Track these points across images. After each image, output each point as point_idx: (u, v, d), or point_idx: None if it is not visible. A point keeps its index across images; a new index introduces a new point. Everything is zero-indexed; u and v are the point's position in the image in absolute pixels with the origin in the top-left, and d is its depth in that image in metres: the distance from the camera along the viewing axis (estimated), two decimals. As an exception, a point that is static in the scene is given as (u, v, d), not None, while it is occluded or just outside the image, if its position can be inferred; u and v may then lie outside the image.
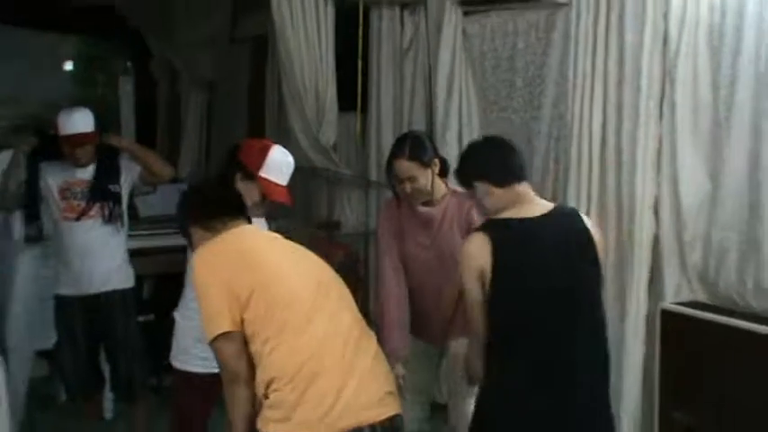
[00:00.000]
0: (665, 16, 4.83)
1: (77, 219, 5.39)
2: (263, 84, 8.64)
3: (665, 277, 4.95)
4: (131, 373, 5.60)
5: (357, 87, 6.81)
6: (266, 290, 3.26)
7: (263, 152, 4.25)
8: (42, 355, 6.41)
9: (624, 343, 4.96)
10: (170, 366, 5.85)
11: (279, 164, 4.28)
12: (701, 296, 4.90)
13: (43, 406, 6.34)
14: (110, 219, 5.43)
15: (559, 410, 3.28)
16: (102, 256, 5.46)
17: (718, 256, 4.77)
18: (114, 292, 5.52)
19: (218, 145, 9.51)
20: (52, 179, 5.44)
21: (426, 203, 4.47)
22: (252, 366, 3.27)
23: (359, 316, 3.46)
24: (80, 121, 5.41)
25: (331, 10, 6.56)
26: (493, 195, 3.46)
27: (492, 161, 3.54)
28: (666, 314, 4.86)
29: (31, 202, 5.53)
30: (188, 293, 4.26)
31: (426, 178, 4.38)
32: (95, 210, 5.40)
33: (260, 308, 3.22)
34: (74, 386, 5.85)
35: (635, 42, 4.89)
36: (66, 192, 5.42)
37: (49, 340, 6.03)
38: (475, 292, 3.32)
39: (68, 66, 11.08)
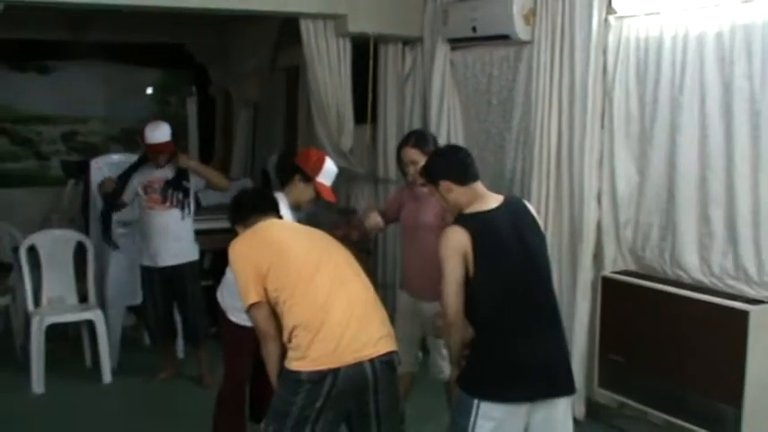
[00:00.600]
0: (604, 53, 4.88)
1: (156, 207, 5.50)
2: (296, 103, 8.65)
3: (605, 252, 4.98)
4: (197, 324, 5.67)
5: (368, 105, 6.81)
6: (279, 263, 3.28)
7: (320, 162, 4.25)
8: (131, 309, 6.48)
9: (575, 303, 4.98)
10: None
11: (331, 172, 4.30)
12: (632, 266, 4.93)
13: (132, 348, 6.39)
14: (180, 206, 5.51)
15: (540, 354, 3.21)
16: (175, 236, 5.53)
17: (644, 235, 4.80)
18: (184, 264, 5.59)
19: (261, 151, 9.54)
20: (137, 179, 5.54)
21: (424, 185, 4.33)
22: (279, 327, 3.29)
23: (361, 274, 3.44)
24: (160, 134, 5.50)
25: (349, 46, 6.53)
26: (453, 192, 3.37)
27: (453, 164, 3.46)
28: (606, 280, 4.88)
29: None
30: None
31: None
32: (170, 200, 5.49)
33: (277, 278, 3.25)
34: (156, 334, 5.92)
35: (582, 72, 4.91)
36: (147, 188, 5.51)
37: (137, 298, 6.12)
38: (457, 272, 3.20)
39: (149, 91, 11.10)
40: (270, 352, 3.32)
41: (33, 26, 8.40)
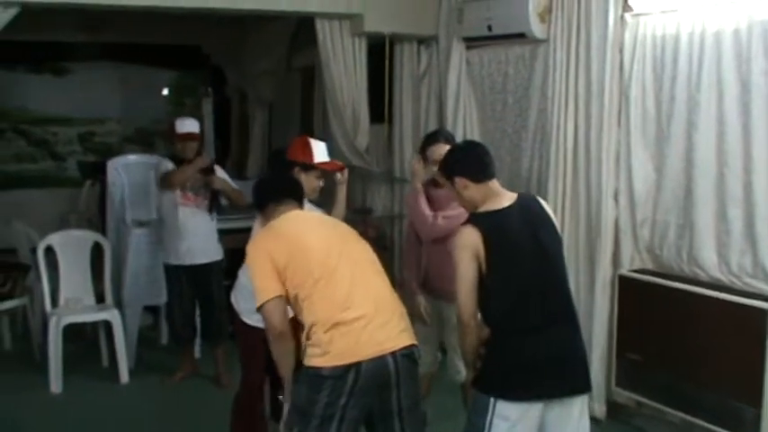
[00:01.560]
0: (621, 51, 4.87)
1: (189, 204, 5.59)
2: (311, 103, 8.68)
3: (622, 250, 4.97)
4: (220, 322, 5.70)
5: (384, 104, 6.83)
6: (298, 258, 3.22)
7: (307, 145, 4.14)
8: (148, 309, 6.52)
9: (594, 302, 4.97)
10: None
11: (321, 148, 4.18)
12: (649, 265, 4.93)
13: (149, 348, 6.43)
14: (210, 206, 5.62)
15: (554, 352, 3.20)
16: (205, 235, 5.59)
17: (661, 234, 4.80)
18: (212, 263, 5.64)
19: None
20: None
21: (438, 185, 4.25)
22: (293, 326, 3.26)
23: (379, 268, 3.40)
24: (190, 125, 5.67)
25: (364, 45, 6.56)
26: (469, 189, 3.34)
27: (470, 160, 3.42)
28: (623, 279, 4.89)
29: None
30: None
31: None
32: (201, 200, 5.58)
33: (295, 274, 3.19)
34: (180, 333, 5.94)
35: (598, 70, 4.91)
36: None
37: (154, 298, 6.17)
38: (470, 272, 3.17)
39: (165, 92, 11.16)
40: (286, 351, 3.27)
41: (49, 28, 8.48)
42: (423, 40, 6.69)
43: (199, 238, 5.57)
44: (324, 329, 3.12)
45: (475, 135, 6.14)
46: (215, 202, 5.65)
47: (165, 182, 5.57)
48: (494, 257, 3.20)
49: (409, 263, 4.64)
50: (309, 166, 4.08)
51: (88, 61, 10.24)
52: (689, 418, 4.52)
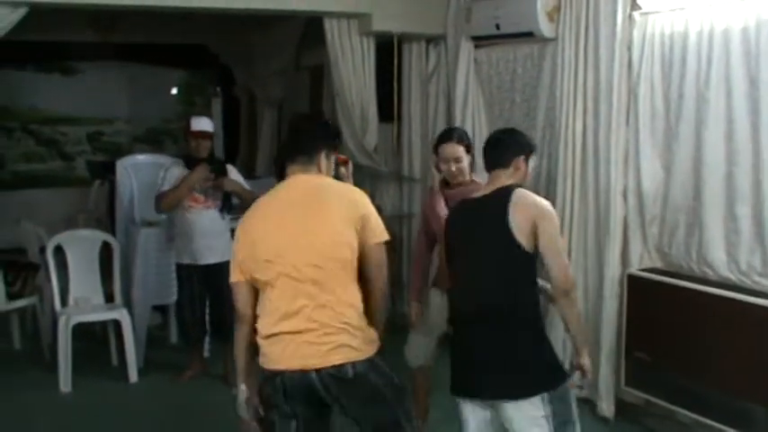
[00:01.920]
0: (629, 49, 4.86)
1: (196, 206, 5.58)
2: (320, 102, 8.68)
3: (631, 249, 4.96)
4: (231, 321, 5.68)
5: (393, 103, 6.84)
6: (250, 257, 3.10)
7: None
8: (157, 308, 6.55)
9: (602, 301, 4.96)
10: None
11: None
12: (658, 263, 4.91)
13: (158, 347, 6.44)
14: (221, 206, 5.63)
15: (463, 352, 3.30)
16: (215, 235, 5.58)
17: (670, 232, 4.79)
18: (222, 263, 5.60)
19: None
20: (181, 175, 5.57)
21: (456, 186, 4.29)
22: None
23: (339, 277, 3.07)
24: (205, 123, 5.73)
25: (372, 45, 6.57)
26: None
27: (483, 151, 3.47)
28: (632, 278, 4.87)
29: None
30: None
31: (467, 161, 4.25)
32: (211, 201, 5.58)
33: (248, 271, 3.12)
34: (191, 332, 5.94)
35: (606, 69, 4.90)
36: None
37: (163, 297, 6.19)
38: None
39: (174, 91, 11.19)
40: (240, 334, 3.25)
41: (58, 28, 8.50)
42: (431, 39, 6.70)
43: (208, 239, 5.56)
44: (261, 336, 3.14)
45: (483, 134, 6.13)
46: (227, 202, 5.65)
47: (158, 207, 5.59)
48: (449, 245, 3.50)
49: (415, 270, 4.65)
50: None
51: (97, 61, 10.28)
52: (698, 417, 4.51)
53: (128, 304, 6.02)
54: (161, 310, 6.65)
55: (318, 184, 3.19)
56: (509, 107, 5.92)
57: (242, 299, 3.20)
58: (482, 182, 4.26)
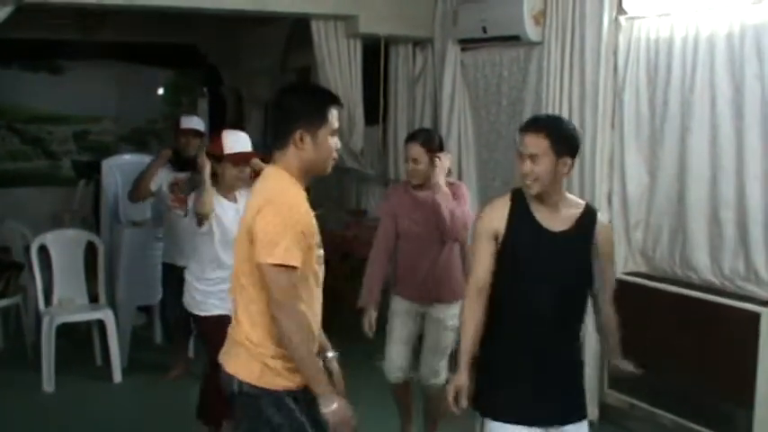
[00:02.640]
0: (615, 54, 4.89)
1: (178, 209, 5.47)
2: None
3: (616, 253, 4.95)
4: None
5: (379, 106, 6.84)
6: None
7: (219, 138, 4.32)
8: (141, 309, 6.52)
9: (588, 306, 4.96)
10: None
11: (234, 139, 4.33)
12: (642, 267, 4.93)
13: (142, 347, 6.41)
14: None
15: None
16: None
17: (654, 236, 4.81)
18: None
19: (273, 151, 9.57)
20: (165, 174, 5.60)
21: (421, 187, 4.30)
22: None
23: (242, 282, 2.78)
24: (195, 122, 5.80)
25: (359, 47, 6.57)
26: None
27: None
28: (616, 282, 4.87)
29: None
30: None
31: (426, 164, 4.22)
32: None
33: None
34: (176, 333, 5.91)
35: (592, 73, 4.91)
36: (174, 185, 5.56)
37: (148, 297, 6.16)
38: None
39: (160, 91, 11.15)
40: None
41: (45, 26, 8.46)
42: (418, 42, 6.70)
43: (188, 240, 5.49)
44: None
45: (469, 137, 6.16)
46: None
47: (132, 195, 5.66)
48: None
49: (376, 274, 4.43)
50: (220, 158, 4.24)
51: (84, 60, 10.22)
52: (681, 420, 4.53)
53: (112, 304, 5.99)
54: (146, 310, 6.62)
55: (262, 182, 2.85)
56: (495, 110, 5.92)
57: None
58: (457, 186, 4.35)
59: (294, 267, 2.63)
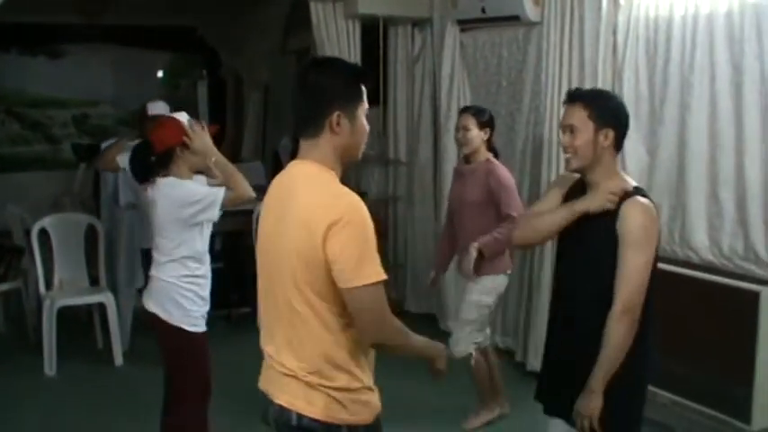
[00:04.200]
0: (614, 33, 4.87)
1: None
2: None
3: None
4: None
5: (378, 87, 6.82)
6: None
7: (173, 124, 3.72)
8: (141, 291, 6.51)
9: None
10: (240, 301, 5.75)
11: (185, 117, 3.78)
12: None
13: (143, 331, 6.41)
14: None
15: None
16: None
17: (654, 215, 4.80)
18: None
19: (272, 133, 9.58)
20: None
21: (467, 162, 4.56)
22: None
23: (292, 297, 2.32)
24: (161, 107, 5.61)
25: (358, 28, 6.55)
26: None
27: None
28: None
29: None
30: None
31: (475, 134, 4.45)
32: None
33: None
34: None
35: (591, 52, 4.90)
36: None
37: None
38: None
39: (160, 74, 11.13)
40: None
41: (44, 10, 8.44)
42: (417, 23, 6.68)
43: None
44: None
45: (469, 117, 6.14)
46: None
47: (98, 162, 5.73)
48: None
49: (439, 242, 4.90)
50: (185, 144, 3.68)
51: (83, 43, 10.21)
52: (680, 399, 4.53)
53: (113, 287, 5.99)
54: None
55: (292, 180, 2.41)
56: (495, 90, 5.90)
57: None
58: (495, 163, 4.46)
59: (385, 278, 2.29)
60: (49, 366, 5.60)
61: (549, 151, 5.20)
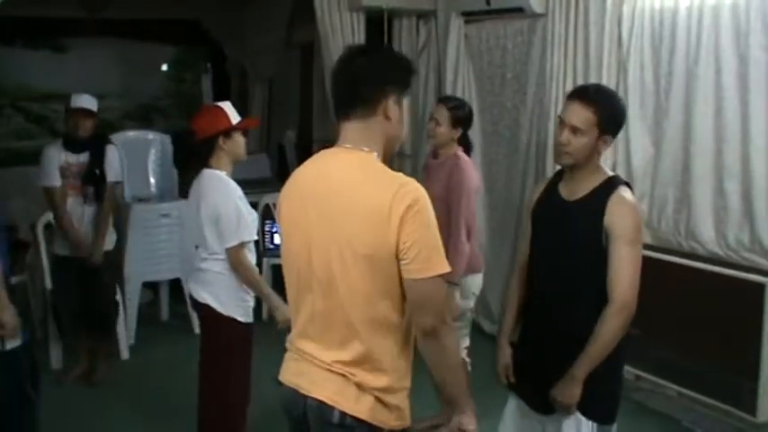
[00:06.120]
0: (619, 25, 4.86)
1: (74, 196, 5.20)
2: (310, 79, 8.67)
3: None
4: (106, 315, 5.50)
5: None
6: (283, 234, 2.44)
7: (219, 111, 3.73)
8: (147, 285, 6.54)
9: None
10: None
11: (230, 108, 3.79)
12: (647, 239, 4.87)
13: (149, 324, 6.44)
14: (97, 200, 5.22)
15: None
16: (90, 226, 5.30)
17: (659, 208, 4.81)
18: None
19: (277, 126, 9.58)
20: (57, 157, 5.20)
21: (434, 156, 4.39)
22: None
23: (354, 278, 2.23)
24: (85, 100, 5.20)
25: (362, 20, 6.53)
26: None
27: None
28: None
29: None
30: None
31: (443, 130, 4.24)
32: (84, 194, 5.22)
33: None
34: (67, 327, 5.52)
35: (596, 44, 4.90)
36: (66, 170, 5.18)
37: (154, 274, 6.16)
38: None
39: (164, 68, 11.13)
40: None
41: (47, 4, 8.43)
42: (421, 15, 6.67)
43: (84, 228, 5.21)
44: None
45: (473, 109, 6.12)
46: (102, 188, 5.22)
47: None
48: None
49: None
50: (230, 130, 3.72)
51: (87, 37, 10.20)
52: (687, 391, 4.55)
53: (120, 280, 6.00)
54: (152, 286, 6.65)
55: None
56: (499, 83, 5.90)
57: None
58: (462, 159, 4.26)
59: (449, 270, 2.25)
60: (56, 360, 5.62)
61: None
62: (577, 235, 2.84)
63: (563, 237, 2.88)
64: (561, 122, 2.85)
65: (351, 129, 2.27)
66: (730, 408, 4.32)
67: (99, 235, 5.21)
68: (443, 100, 4.47)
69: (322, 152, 2.36)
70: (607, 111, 2.81)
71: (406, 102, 2.34)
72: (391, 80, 2.28)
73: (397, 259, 2.17)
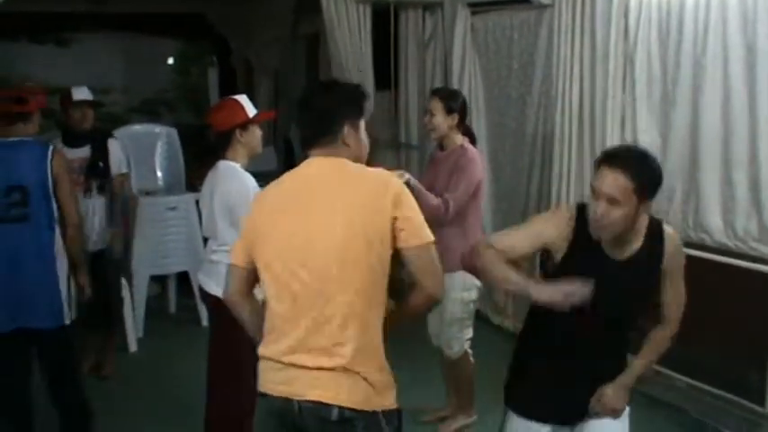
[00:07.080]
0: (626, 15, 4.86)
1: (78, 191, 4.98)
2: (317, 71, 8.67)
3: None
4: (110, 313, 5.50)
5: (390, 71, 6.82)
6: (257, 245, 2.54)
7: (236, 104, 3.76)
8: (155, 278, 6.56)
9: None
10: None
11: (246, 101, 3.80)
12: (655, 229, 4.93)
13: (157, 317, 6.47)
14: (101, 192, 5.25)
15: None
16: (95, 221, 5.28)
17: (667, 198, 4.78)
18: (98, 251, 5.31)
19: (283, 119, 9.58)
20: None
21: (441, 148, 4.34)
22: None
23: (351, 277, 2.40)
24: (86, 92, 5.34)
25: (368, 12, 6.53)
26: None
27: None
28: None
29: None
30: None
31: (442, 120, 4.20)
32: (87, 187, 5.22)
33: (258, 260, 2.55)
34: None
35: (603, 35, 4.90)
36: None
37: (162, 267, 6.19)
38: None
39: (170, 62, 11.16)
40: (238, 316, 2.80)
41: (52, -1, 8.47)
42: (428, 7, 6.68)
43: (90, 224, 5.14)
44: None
45: (480, 101, 6.16)
46: (107, 182, 5.26)
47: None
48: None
49: None
50: (247, 122, 3.73)
51: (92, 31, 10.23)
52: (695, 383, 4.55)
53: (127, 274, 6.03)
54: (160, 279, 6.67)
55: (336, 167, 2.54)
56: (506, 74, 5.91)
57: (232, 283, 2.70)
58: (468, 149, 4.25)
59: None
60: (65, 353, 5.65)
61: (562, 134, 5.21)
62: (633, 293, 2.73)
63: (614, 297, 2.64)
64: (594, 192, 2.55)
65: (318, 154, 2.57)
66: (739, 398, 4.32)
67: (114, 228, 5.29)
68: (435, 92, 4.45)
69: (304, 164, 2.60)
70: (645, 177, 2.52)
71: (362, 123, 2.68)
72: (345, 114, 2.61)
73: (393, 237, 2.42)
